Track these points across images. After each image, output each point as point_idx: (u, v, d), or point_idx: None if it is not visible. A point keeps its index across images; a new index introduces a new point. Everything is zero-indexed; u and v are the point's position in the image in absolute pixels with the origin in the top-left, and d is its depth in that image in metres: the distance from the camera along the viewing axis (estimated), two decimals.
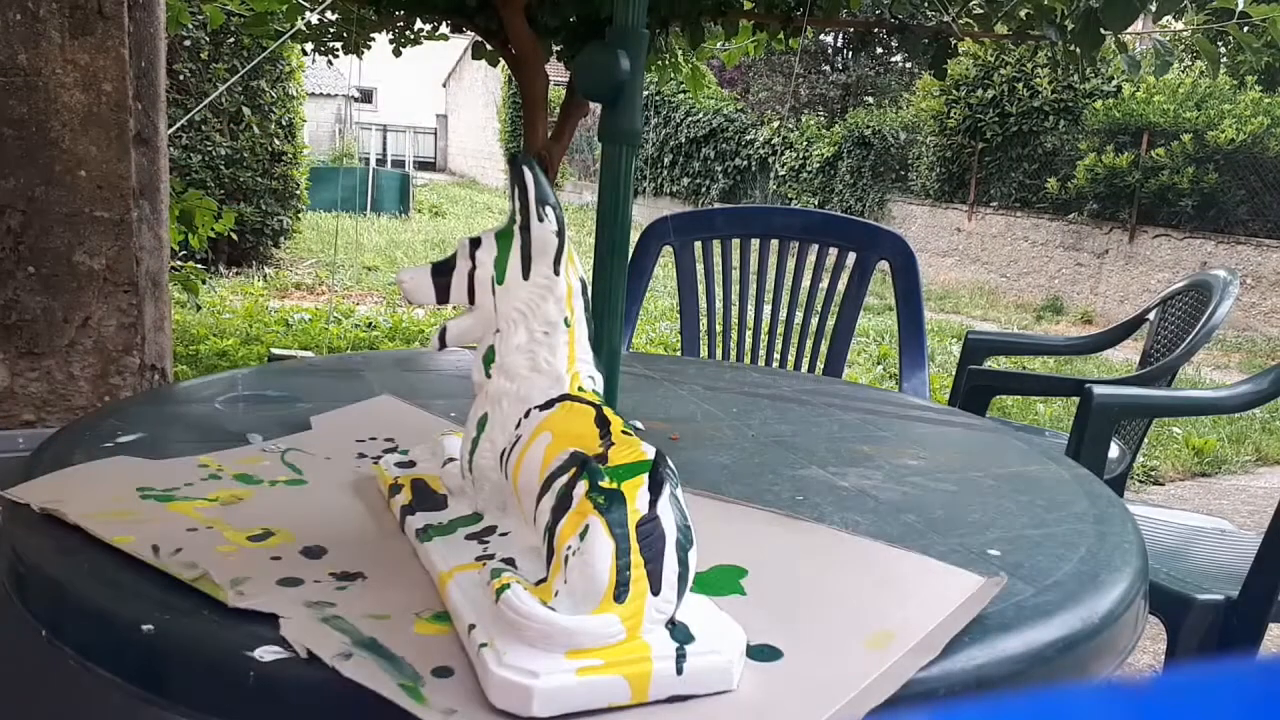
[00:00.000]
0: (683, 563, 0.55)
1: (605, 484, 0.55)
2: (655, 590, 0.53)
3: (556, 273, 0.69)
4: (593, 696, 0.50)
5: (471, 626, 0.55)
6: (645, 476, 0.56)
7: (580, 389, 0.69)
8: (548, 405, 0.67)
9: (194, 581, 0.61)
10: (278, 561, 0.65)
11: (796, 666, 0.57)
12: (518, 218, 0.69)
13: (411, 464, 0.81)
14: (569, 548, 0.54)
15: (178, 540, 0.67)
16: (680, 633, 0.55)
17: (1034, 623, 0.64)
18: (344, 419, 1.00)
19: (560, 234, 0.68)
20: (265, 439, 0.92)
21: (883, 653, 0.59)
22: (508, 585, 0.54)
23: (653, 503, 0.55)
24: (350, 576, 0.64)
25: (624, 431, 0.62)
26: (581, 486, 0.56)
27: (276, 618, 0.57)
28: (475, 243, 0.70)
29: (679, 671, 0.52)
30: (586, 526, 0.54)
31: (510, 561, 0.63)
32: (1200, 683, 0.20)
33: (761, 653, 0.57)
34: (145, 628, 0.57)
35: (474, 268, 0.69)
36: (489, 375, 0.70)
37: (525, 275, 0.69)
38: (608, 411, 0.65)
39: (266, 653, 0.54)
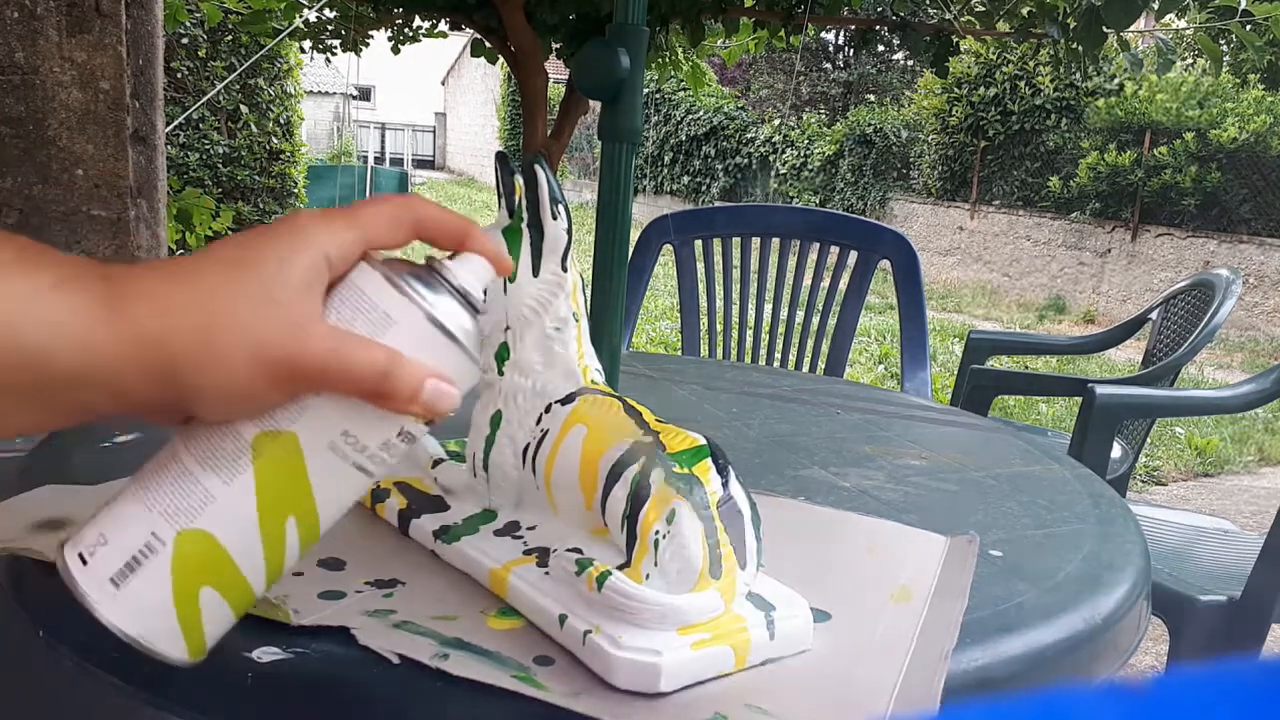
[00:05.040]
0: (757, 537, 0.59)
1: (678, 469, 0.58)
2: (743, 564, 0.57)
3: (564, 269, 0.70)
4: (706, 667, 0.54)
5: (564, 617, 0.56)
6: (708, 460, 0.59)
7: (593, 382, 0.70)
8: (568, 400, 0.68)
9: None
10: (301, 577, 0.62)
11: (847, 623, 0.61)
12: (526, 215, 0.69)
13: None
14: (656, 532, 0.56)
15: None
16: (759, 601, 0.58)
17: (1036, 623, 0.64)
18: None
19: (569, 231, 0.70)
20: None
21: (911, 604, 0.63)
22: (608, 572, 0.55)
23: (724, 483, 0.58)
24: (388, 584, 0.62)
25: (657, 420, 0.64)
26: (658, 473, 0.58)
27: (347, 630, 0.55)
28: None
29: (771, 636, 0.56)
30: (673, 511, 0.56)
31: (545, 552, 0.64)
32: (1203, 684, 0.19)
33: (816, 615, 0.61)
34: None
35: None
36: (501, 373, 0.70)
37: (536, 272, 0.69)
38: (631, 402, 0.66)
39: (265, 653, 0.54)
